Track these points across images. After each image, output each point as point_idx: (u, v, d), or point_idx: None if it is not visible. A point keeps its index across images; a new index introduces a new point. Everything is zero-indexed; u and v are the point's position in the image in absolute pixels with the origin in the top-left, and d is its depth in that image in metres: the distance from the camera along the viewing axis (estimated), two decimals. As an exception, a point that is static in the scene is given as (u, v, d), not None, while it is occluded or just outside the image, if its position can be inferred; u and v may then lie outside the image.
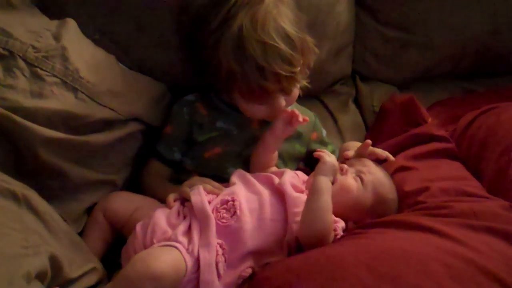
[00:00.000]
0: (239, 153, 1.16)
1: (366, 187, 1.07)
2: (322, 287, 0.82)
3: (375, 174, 1.10)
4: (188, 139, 1.19)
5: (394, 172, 1.15)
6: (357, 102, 1.50)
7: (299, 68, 1.08)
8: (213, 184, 1.07)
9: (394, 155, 1.20)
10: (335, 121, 1.44)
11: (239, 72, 1.05)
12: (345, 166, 1.09)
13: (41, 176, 1.01)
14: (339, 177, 1.06)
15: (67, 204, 1.04)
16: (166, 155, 1.19)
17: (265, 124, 1.18)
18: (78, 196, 1.07)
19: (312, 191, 0.99)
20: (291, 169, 1.16)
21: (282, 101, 1.11)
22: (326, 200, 0.97)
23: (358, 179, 1.08)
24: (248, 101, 1.11)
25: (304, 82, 1.14)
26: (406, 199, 1.09)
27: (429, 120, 1.29)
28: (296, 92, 1.14)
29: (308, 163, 1.27)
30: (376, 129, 1.40)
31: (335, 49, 1.42)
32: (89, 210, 1.11)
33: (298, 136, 1.23)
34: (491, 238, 0.91)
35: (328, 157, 1.02)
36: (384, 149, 1.20)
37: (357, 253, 0.88)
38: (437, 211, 1.00)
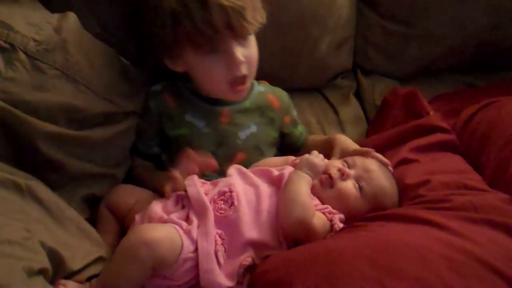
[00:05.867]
0: (213, 152, 1.13)
1: (364, 196, 1.06)
2: (323, 279, 0.82)
3: (377, 182, 1.07)
4: (160, 132, 1.17)
5: (397, 165, 1.15)
6: (358, 95, 1.50)
7: (246, 3, 1.03)
8: (202, 161, 1.05)
9: (395, 145, 1.20)
10: (336, 113, 1.44)
11: (183, 12, 1.01)
12: (347, 171, 1.07)
13: (40, 169, 1.01)
14: (339, 183, 1.06)
15: (64, 196, 1.04)
16: (145, 150, 1.19)
17: (235, 120, 1.16)
18: (76, 188, 1.07)
19: (286, 182, 1.01)
20: (269, 156, 1.18)
21: (237, 49, 1.05)
22: (298, 186, 0.99)
23: (358, 187, 1.06)
24: (199, 51, 1.05)
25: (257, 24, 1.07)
26: (407, 192, 1.08)
27: (431, 113, 1.29)
28: (252, 45, 1.09)
29: (283, 149, 1.27)
30: (378, 121, 1.40)
31: (336, 43, 1.42)
32: (90, 200, 1.10)
33: (271, 122, 1.21)
34: (491, 231, 0.91)
35: (311, 156, 1.05)
36: (385, 138, 1.19)
37: (358, 246, 0.88)
38: (438, 205, 1.00)
